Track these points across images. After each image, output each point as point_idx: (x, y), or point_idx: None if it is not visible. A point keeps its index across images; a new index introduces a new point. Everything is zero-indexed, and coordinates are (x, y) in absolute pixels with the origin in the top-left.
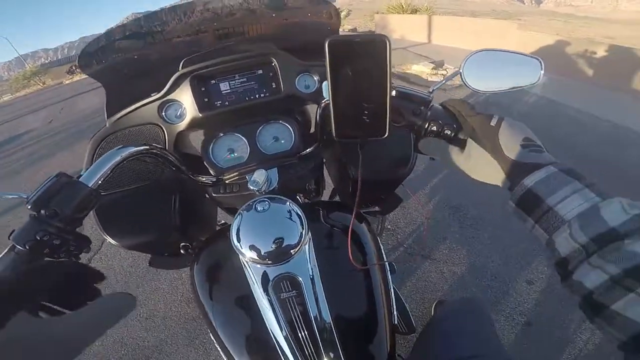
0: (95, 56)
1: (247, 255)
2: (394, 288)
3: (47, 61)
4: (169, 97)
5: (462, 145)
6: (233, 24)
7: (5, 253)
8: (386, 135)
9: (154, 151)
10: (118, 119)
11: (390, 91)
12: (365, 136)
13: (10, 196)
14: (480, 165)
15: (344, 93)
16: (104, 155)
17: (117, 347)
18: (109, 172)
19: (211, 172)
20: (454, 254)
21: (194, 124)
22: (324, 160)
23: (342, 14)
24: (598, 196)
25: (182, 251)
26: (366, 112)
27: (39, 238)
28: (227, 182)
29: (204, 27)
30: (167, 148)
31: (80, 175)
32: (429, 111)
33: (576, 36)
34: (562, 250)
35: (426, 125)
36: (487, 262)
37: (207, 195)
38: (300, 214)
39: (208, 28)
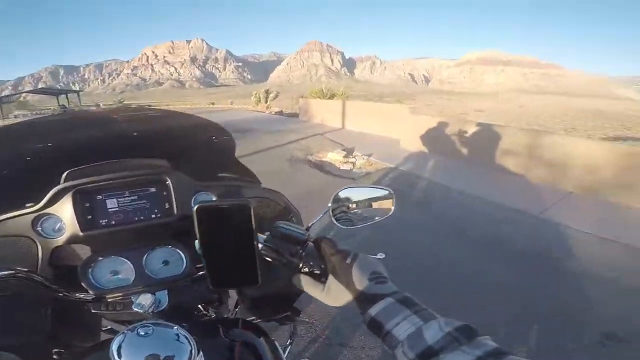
0: None
1: None
2: None
3: None
4: (46, 210)
5: (324, 280)
6: (126, 138)
7: None
8: (259, 284)
9: (20, 275)
10: None
11: (257, 247)
12: (239, 285)
13: None
14: (335, 296)
15: (215, 249)
16: None
17: None
18: None
19: (90, 291)
20: (368, 339)
21: (73, 241)
22: None
23: (271, 96)
24: (422, 320)
25: (55, 356)
26: (237, 266)
27: None
28: (108, 300)
29: (92, 137)
30: (39, 264)
31: None
32: (304, 251)
33: (456, 113)
34: None
35: (300, 264)
36: None
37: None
38: (189, 338)
39: (96, 138)
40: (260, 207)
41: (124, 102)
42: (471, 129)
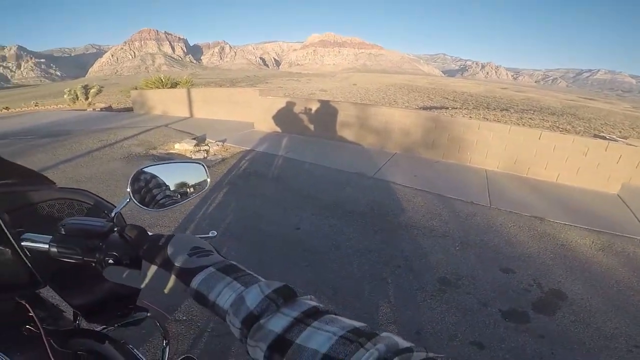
0: None
1: None
2: None
3: None
4: None
5: (138, 266)
6: None
7: None
8: (43, 285)
9: None
10: None
11: (19, 246)
12: (17, 291)
13: None
14: (158, 279)
15: None
16: None
17: None
18: None
19: None
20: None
21: None
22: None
23: (93, 91)
24: (243, 285)
25: None
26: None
27: None
28: None
29: None
30: None
31: None
32: (105, 244)
33: (304, 93)
34: (235, 334)
35: (104, 257)
36: None
37: None
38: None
39: None
40: (61, 209)
41: None
42: (315, 107)
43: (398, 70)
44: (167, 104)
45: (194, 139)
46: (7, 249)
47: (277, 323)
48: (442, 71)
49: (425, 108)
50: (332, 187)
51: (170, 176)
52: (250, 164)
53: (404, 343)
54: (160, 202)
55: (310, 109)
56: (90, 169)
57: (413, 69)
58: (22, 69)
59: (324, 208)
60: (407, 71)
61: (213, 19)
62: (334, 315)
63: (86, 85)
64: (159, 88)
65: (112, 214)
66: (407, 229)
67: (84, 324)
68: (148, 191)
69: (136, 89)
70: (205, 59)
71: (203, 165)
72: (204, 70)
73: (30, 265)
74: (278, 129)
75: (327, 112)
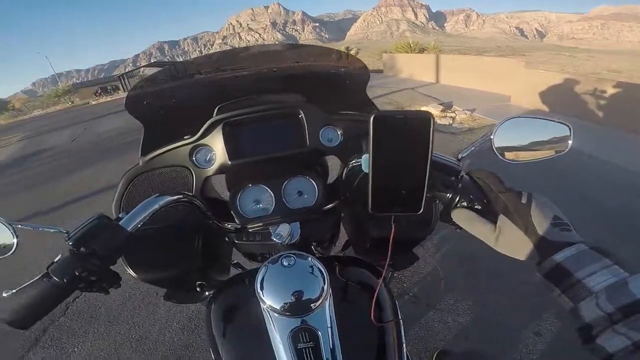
0: (139, 98)
1: (269, 304)
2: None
3: (78, 81)
4: (201, 141)
5: (492, 219)
6: (265, 72)
7: (39, 279)
8: (420, 212)
9: (186, 200)
10: (151, 158)
11: (430, 168)
12: (400, 211)
13: (51, 230)
14: (510, 241)
15: (384, 168)
16: (143, 202)
17: None
18: (146, 218)
19: (236, 220)
20: (459, 304)
21: (221, 170)
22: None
23: (352, 53)
24: (626, 271)
25: (197, 289)
26: (403, 188)
27: (77, 274)
28: (250, 230)
29: (237, 74)
30: (194, 192)
31: (120, 219)
32: (459, 183)
33: (583, 72)
34: (587, 317)
35: (456, 198)
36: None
37: (226, 239)
38: (323, 270)
39: (241, 75)
40: None
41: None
42: (610, 90)
43: None
44: (413, 68)
45: (440, 104)
46: None
47: None
48: None
49: None
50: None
51: (529, 130)
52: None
53: None
54: (513, 154)
55: (603, 91)
56: None
57: None
58: (304, 31)
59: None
60: None
61: None
62: None
63: (347, 48)
64: (407, 53)
65: (460, 155)
66: None
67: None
68: (501, 140)
69: (386, 52)
70: (448, 26)
71: (570, 130)
72: (447, 37)
73: (426, 187)
74: (545, 107)
75: (628, 97)
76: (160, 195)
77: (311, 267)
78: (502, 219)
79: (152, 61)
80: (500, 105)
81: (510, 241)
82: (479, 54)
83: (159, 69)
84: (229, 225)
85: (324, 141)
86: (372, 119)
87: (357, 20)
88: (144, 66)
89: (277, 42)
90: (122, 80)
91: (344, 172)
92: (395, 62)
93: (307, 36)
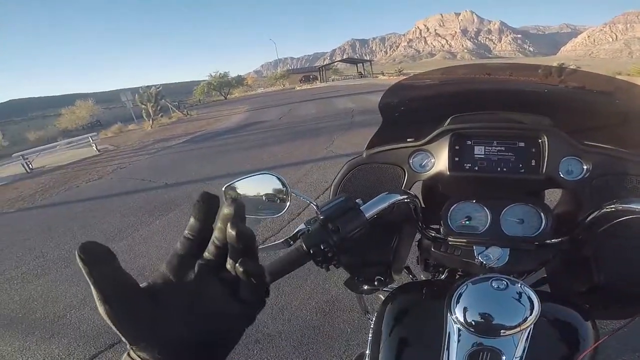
0: (392, 96)
1: (459, 317)
2: None
3: (290, 67)
4: (425, 147)
5: None
6: (509, 92)
7: (281, 243)
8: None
9: (410, 200)
10: (375, 152)
11: None
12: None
13: (305, 199)
14: None
15: None
16: (381, 195)
17: None
18: (381, 210)
19: (441, 229)
20: None
21: (434, 178)
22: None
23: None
24: None
25: (375, 283)
26: None
27: (322, 247)
28: (450, 243)
29: (480, 88)
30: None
31: (361, 205)
32: None
33: None
34: None
35: None
36: None
37: (415, 243)
38: (535, 301)
39: (483, 89)
40: None
41: (403, 71)
42: None
43: None
44: None
45: None
46: None
47: None
48: None
49: None
50: None
51: None
52: None
53: None
54: None
55: None
56: None
57: None
58: (501, 42)
59: None
60: None
61: None
62: None
63: (562, 63)
64: None
65: None
66: None
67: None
68: None
69: (620, 74)
70: None
71: None
72: None
73: None
74: None
75: None
76: (392, 192)
77: (519, 294)
78: None
79: (345, 57)
80: None
81: None
82: None
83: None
84: (432, 233)
85: (563, 172)
86: None
87: (578, 35)
88: (337, 61)
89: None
90: (320, 72)
91: (593, 214)
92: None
93: (504, 47)
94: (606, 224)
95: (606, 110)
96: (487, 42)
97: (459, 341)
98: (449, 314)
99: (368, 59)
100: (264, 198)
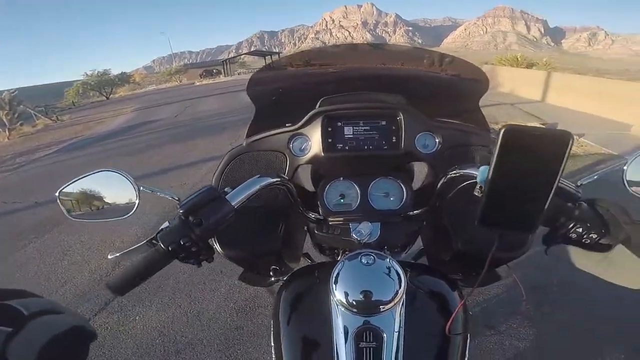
0: (258, 83)
1: (340, 298)
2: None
3: (189, 62)
4: (301, 130)
5: (605, 249)
6: (372, 73)
7: (144, 244)
8: (533, 232)
9: (282, 184)
10: (254, 140)
11: (555, 189)
12: (511, 229)
13: (167, 195)
14: (626, 271)
15: (504, 183)
16: (248, 180)
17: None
18: (249, 196)
19: (320, 211)
20: (522, 329)
21: (312, 161)
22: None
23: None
24: None
25: (271, 273)
26: (520, 206)
27: (182, 243)
28: (330, 223)
29: (344, 70)
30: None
31: (226, 193)
32: (577, 210)
33: None
34: None
35: (570, 225)
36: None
37: (305, 228)
38: (401, 274)
39: (348, 71)
40: None
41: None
42: None
43: None
44: (516, 83)
45: (543, 124)
46: None
47: None
48: None
49: None
50: None
51: None
52: (613, 175)
53: None
54: None
55: None
56: None
57: None
58: (395, 34)
59: None
60: None
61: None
62: None
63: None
64: (512, 66)
65: (580, 182)
66: None
67: None
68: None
69: (487, 63)
70: (567, 43)
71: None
72: (562, 55)
73: (546, 207)
74: None
75: None
76: (262, 175)
77: (389, 268)
78: (620, 250)
79: (252, 50)
80: (616, 134)
81: (627, 271)
82: (599, 75)
83: (257, 57)
84: (312, 215)
85: (419, 146)
86: (503, 130)
87: (457, 28)
88: (244, 54)
89: (394, 43)
90: (225, 65)
91: (441, 181)
92: (496, 75)
93: (397, 39)
94: (453, 191)
95: (452, 91)
96: (383, 34)
97: (341, 322)
98: (332, 297)
99: (277, 51)
100: (107, 199)
